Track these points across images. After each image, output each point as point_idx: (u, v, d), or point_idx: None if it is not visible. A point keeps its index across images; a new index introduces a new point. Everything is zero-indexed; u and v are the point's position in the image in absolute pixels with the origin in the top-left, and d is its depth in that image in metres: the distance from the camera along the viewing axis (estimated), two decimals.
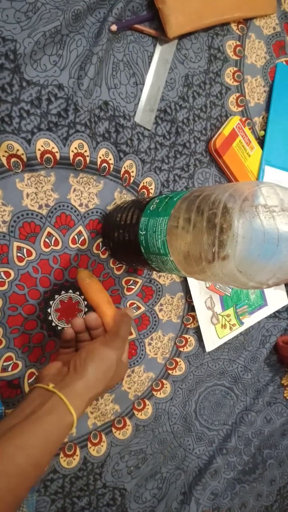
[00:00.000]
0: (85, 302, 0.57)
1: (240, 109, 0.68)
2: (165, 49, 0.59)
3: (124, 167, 0.57)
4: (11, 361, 0.52)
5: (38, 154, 0.49)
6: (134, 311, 0.46)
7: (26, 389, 0.54)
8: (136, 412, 0.64)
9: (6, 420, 0.35)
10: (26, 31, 0.47)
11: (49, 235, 0.53)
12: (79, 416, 0.36)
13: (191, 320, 0.67)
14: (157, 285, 0.63)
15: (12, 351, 0.52)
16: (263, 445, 0.79)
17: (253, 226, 0.35)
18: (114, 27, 0.52)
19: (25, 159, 0.48)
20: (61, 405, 0.35)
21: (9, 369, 0.53)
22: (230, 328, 0.70)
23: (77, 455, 0.59)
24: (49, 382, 0.38)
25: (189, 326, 0.67)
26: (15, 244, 0.51)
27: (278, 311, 0.78)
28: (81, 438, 0.59)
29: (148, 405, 0.65)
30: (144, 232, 0.44)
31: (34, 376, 0.54)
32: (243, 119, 0.68)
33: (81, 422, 0.59)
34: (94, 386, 0.38)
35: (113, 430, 0.62)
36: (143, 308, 0.63)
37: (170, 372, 0.67)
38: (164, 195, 0.45)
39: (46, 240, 0.53)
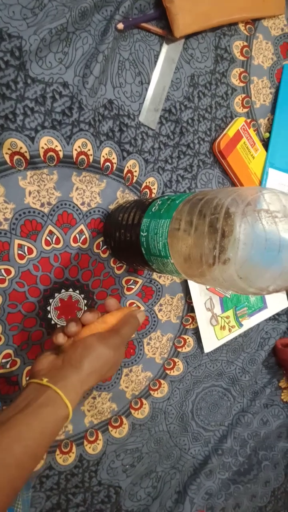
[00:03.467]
0: (85, 301, 0.57)
1: (245, 110, 0.68)
2: (172, 49, 0.58)
3: (127, 167, 0.57)
4: (10, 358, 0.53)
5: (41, 152, 0.49)
6: (146, 315, 0.44)
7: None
8: (133, 411, 0.64)
9: (2, 414, 0.35)
10: (32, 28, 0.47)
11: (51, 233, 0.53)
12: (74, 407, 0.37)
13: (190, 320, 0.67)
14: (157, 285, 0.63)
15: (11, 348, 0.52)
16: (259, 447, 0.79)
17: (255, 231, 0.34)
18: (120, 26, 0.52)
19: (28, 157, 0.48)
20: (56, 398, 0.36)
21: (8, 366, 0.53)
22: (229, 330, 0.70)
23: (73, 453, 0.60)
24: (43, 377, 0.38)
25: (188, 327, 0.68)
26: (16, 241, 0.51)
27: (277, 314, 0.78)
28: (77, 435, 0.60)
29: (145, 404, 0.65)
30: (145, 234, 0.44)
31: (25, 371, 0.54)
32: (248, 120, 0.68)
33: (78, 420, 0.60)
34: (87, 380, 0.38)
35: (110, 428, 0.62)
36: (142, 308, 0.63)
37: (168, 372, 0.67)
38: (166, 197, 0.45)
39: (47, 238, 0.53)
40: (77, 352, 0.40)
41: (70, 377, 0.37)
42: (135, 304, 0.62)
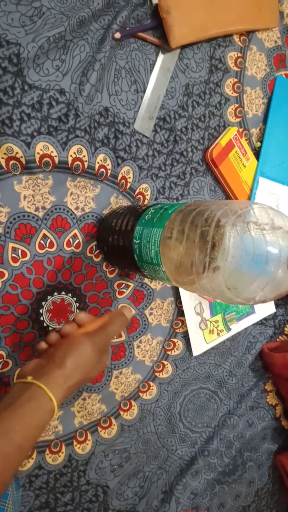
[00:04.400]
0: (77, 304, 0.58)
1: (238, 120, 0.69)
2: (167, 58, 0.59)
3: (121, 173, 0.58)
4: (2, 359, 0.53)
5: (37, 157, 0.50)
6: (133, 311, 0.46)
7: None
8: (122, 412, 0.65)
9: None
10: (30, 35, 0.47)
11: (44, 237, 0.53)
12: (59, 403, 0.38)
13: (180, 324, 0.69)
14: (148, 289, 0.64)
15: (3, 349, 0.53)
16: (244, 448, 0.81)
17: (243, 242, 0.36)
18: (118, 35, 0.53)
19: (24, 162, 0.49)
20: (40, 392, 0.37)
21: (0, 366, 0.54)
22: (218, 334, 0.72)
23: (62, 452, 0.61)
24: (28, 376, 0.39)
25: (177, 331, 0.69)
26: (10, 245, 0.51)
27: (265, 319, 0.80)
28: (67, 436, 0.61)
29: (134, 406, 0.67)
30: (138, 241, 0.46)
31: (16, 373, 0.55)
32: (241, 130, 0.69)
33: (68, 421, 0.60)
34: (71, 376, 0.40)
35: (99, 429, 0.64)
36: (133, 312, 0.64)
37: (157, 374, 0.68)
38: (159, 206, 0.46)
39: (41, 242, 0.53)
40: (61, 349, 0.41)
41: (52, 372, 0.39)
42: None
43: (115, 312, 0.47)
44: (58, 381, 0.39)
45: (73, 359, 0.40)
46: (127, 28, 0.55)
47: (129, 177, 0.59)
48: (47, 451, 0.59)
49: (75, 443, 0.62)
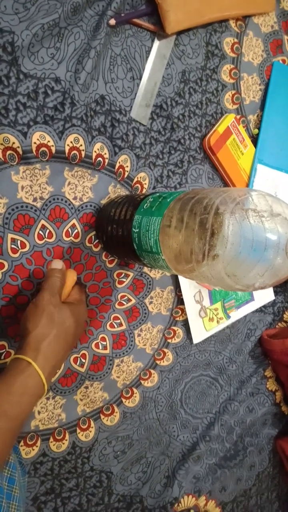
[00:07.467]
0: None
1: (235, 106, 0.69)
2: (163, 45, 0.59)
3: (119, 162, 0.57)
4: (4, 350, 0.54)
5: (33, 147, 0.49)
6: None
7: None
8: (124, 400, 0.66)
9: None
10: (24, 23, 0.47)
11: (43, 227, 0.53)
12: (41, 366, 0.39)
13: (180, 313, 0.69)
14: (148, 278, 0.65)
15: (5, 340, 0.54)
16: (245, 433, 0.82)
17: (242, 229, 0.36)
18: (112, 21, 0.52)
19: (20, 152, 0.49)
20: (18, 360, 0.39)
21: (2, 357, 0.54)
22: (217, 322, 0.72)
23: (66, 440, 0.62)
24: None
25: (177, 319, 0.69)
26: (10, 236, 0.51)
27: (264, 306, 0.80)
28: (70, 423, 0.62)
29: (136, 393, 0.67)
30: (137, 230, 0.46)
31: None
32: (238, 117, 0.69)
33: (71, 409, 0.61)
34: (42, 334, 0.41)
35: (102, 416, 0.64)
36: (133, 301, 0.64)
37: (158, 362, 0.69)
38: (158, 194, 0.46)
39: (40, 232, 0.53)
40: (21, 323, 0.44)
41: (21, 343, 0.41)
42: (126, 297, 0.63)
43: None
44: (31, 345, 0.40)
45: (33, 322, 0.42)
46: (122, 15, 0.54)
47: (127, 166, 0.58)
48: (51, 439, 0.60)
49: (78, 430, 0.62)
